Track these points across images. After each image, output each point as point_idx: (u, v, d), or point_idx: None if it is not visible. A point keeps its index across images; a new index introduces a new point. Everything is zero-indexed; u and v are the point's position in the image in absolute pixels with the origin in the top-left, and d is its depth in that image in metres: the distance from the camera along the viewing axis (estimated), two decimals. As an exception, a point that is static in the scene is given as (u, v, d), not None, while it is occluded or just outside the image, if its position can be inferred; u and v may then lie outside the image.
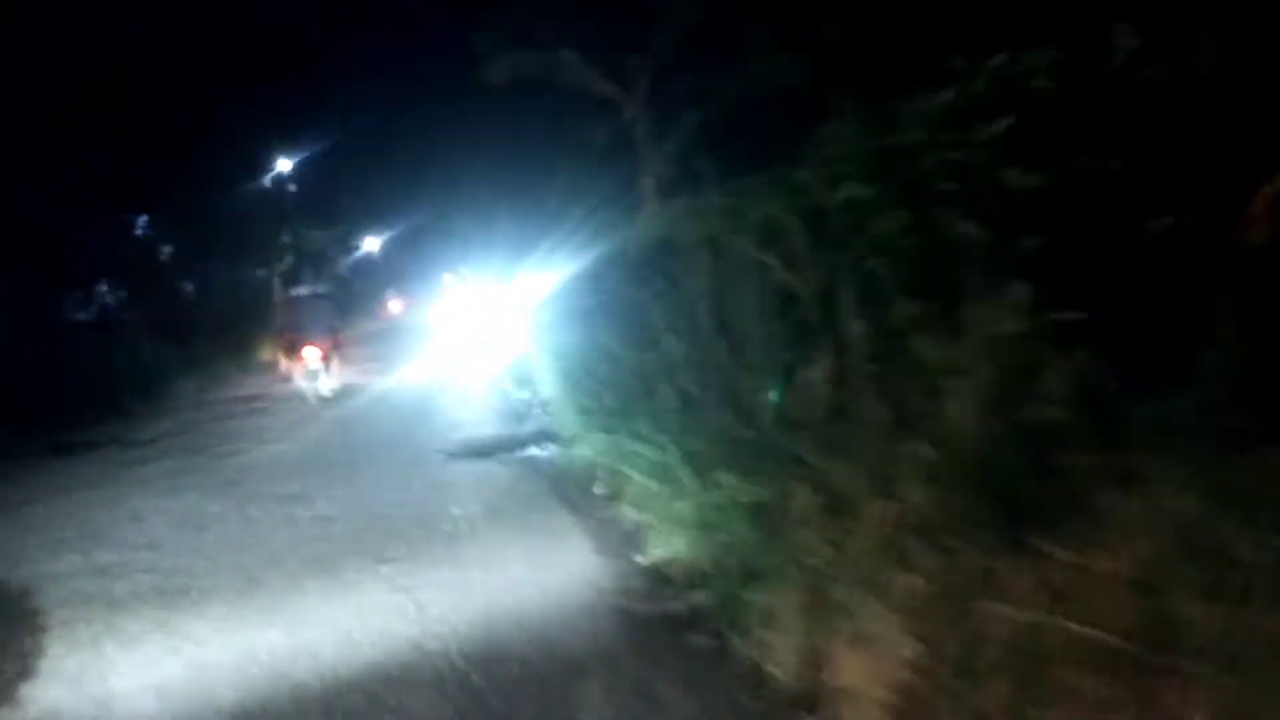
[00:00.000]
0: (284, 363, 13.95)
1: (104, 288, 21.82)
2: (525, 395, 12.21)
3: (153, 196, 21.81)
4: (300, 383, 12.98)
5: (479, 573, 5.31)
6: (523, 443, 9.31)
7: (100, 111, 18.91)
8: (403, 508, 6.85)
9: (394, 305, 31.00)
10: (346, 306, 26.83)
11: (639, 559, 5.33)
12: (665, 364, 5.86)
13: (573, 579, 5.14)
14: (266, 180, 29.13)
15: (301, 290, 18.95)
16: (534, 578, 5.19)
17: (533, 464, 8.30)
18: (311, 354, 12.84)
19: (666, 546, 5.24)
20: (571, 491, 7.06)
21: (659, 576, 5.06)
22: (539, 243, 16.10)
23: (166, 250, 23.81)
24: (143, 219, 22.37)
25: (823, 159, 4.97)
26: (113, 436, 10.70)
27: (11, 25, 15.81)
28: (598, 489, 7.02)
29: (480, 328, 17.62)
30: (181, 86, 21.16)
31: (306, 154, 29.68)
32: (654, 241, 6.99)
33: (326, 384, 12.93)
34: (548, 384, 11.51)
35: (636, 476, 5.92)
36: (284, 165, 29.66)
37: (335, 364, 13.47)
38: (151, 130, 20.39)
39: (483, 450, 9.00)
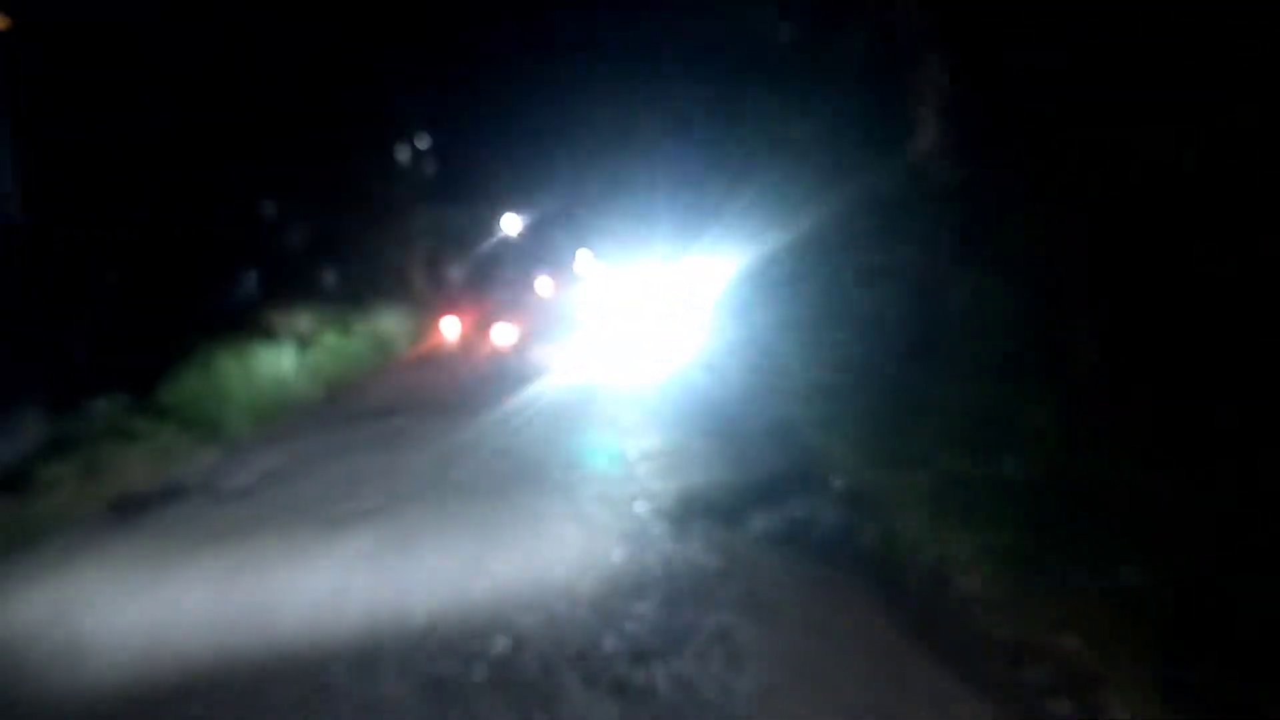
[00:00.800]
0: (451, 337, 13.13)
1: (245, 277, 19.65)
2: (733, 404, 9.04)
3: (285, 178, 19.70)
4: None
5: None
6: (773, 494, 6.10)
7: (228, 87, 16.64)
8: (635, 667, 3.72)
9: (543, 287, 28.12)
10: (494, 287, 24.43)
11: None
12: None
13: None
14: (404, 159, 26.87)
15: (456, 271, 17.76)
16: None
17: (818, 545, 5.08)
18: (502, 331, 11.73)
19: None
20: (945, 630, 3.80)
21: None
22: (729, 205, 12.85)
23: (300, 234, 21.58)
24: (270, 203, 20.08)
25: None
26: (204, 479, 7.98)
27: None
28: (993, 624, 3.73)
29: (656, 313, 14.53)
30: (312, 61, 19.05)
31: (446, 130, 27.28)
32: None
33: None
34: (786, 398, 8.26)
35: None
36: (422, 143, 27.39)
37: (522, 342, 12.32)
38: (282, 108, 18.18)
39: (718, 510, 5.84)
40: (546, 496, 6.55)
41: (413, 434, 9.35)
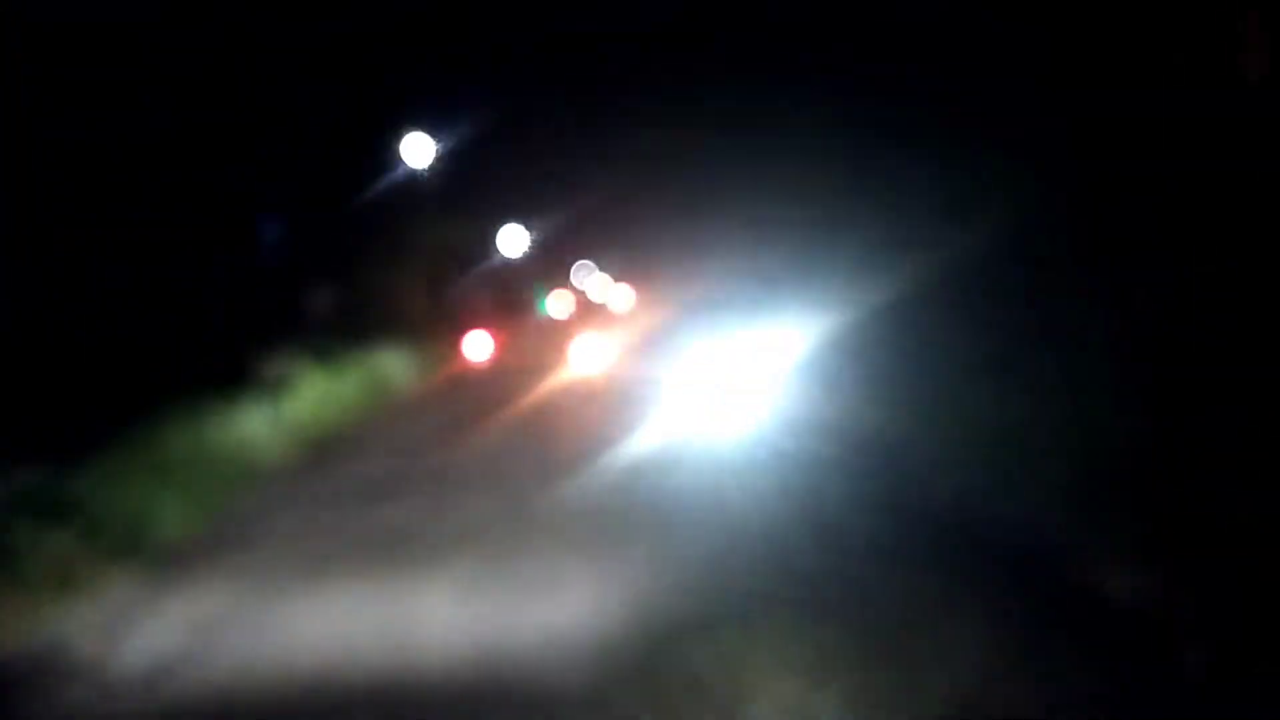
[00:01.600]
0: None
1: (210, 308, 16.58)
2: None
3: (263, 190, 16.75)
4: None
5: None
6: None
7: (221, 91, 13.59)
8: None
9: (558, 310, 24.92)
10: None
11: None
12: None
13: None
14: (398, 172, 23.84)
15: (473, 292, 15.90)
16: None
17: None
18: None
19: None
20: None
21: None
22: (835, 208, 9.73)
23: (283, 255, 18.58)
24: (244, 220, 17.06)
25: None
26: (96, 640, 4.87)
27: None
28: None
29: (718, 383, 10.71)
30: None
31: (448, 133, 24.20)
32: None
33: None
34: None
35: None
36: (421, 155, 24.27)
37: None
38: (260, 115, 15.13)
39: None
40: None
41: (428, 536, 6.31)
